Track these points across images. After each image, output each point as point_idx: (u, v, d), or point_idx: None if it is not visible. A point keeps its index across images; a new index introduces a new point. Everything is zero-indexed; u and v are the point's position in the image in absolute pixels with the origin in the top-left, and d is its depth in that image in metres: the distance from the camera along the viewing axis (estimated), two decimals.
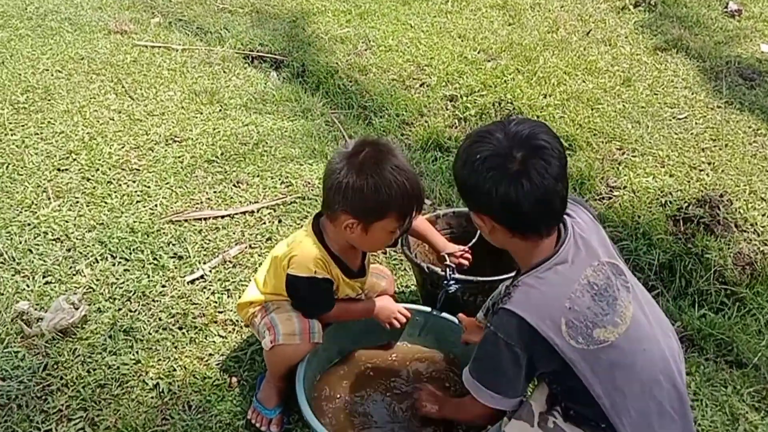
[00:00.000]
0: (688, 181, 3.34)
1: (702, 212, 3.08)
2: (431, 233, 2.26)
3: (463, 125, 3.83)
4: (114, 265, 2.65)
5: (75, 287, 2.53)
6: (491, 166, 1.46)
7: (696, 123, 3.84)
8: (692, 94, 4.14)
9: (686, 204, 3.15)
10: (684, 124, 3.83)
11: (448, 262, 2.07)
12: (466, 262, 2.20)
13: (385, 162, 1.77)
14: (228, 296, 2.52)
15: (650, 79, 4.27)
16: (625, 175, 3.36)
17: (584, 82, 4.18)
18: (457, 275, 2.05)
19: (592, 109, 3.88)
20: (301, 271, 1.89)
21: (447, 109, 3.99)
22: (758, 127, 3.81)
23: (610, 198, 3.25)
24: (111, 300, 2.49)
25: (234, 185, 3.18)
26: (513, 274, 2.08)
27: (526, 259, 1.59)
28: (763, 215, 3.05)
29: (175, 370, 2.22)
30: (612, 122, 3.76)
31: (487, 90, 4.00)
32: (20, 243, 2.74)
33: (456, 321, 2.09)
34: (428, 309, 2.16)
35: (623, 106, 3.96)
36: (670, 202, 3.18)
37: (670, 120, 3.87)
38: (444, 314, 2.13)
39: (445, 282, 2.05)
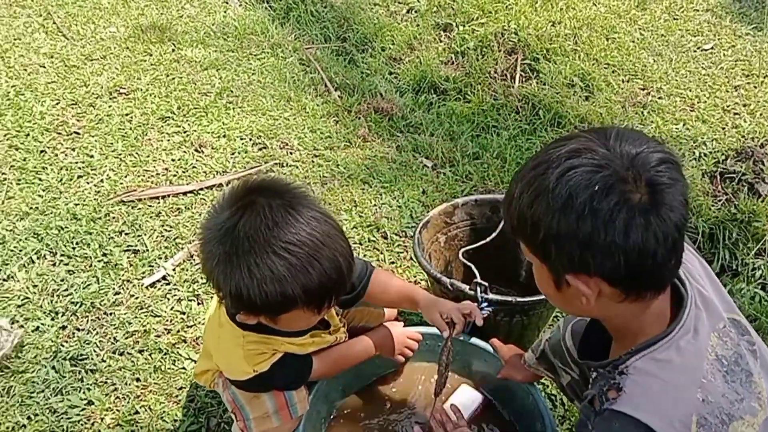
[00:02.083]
0: (723, 128, 2.91)
1: (743, 168, 2.68)
2: (410, 296, 1.62)
3: (461, 61, 3.29)
4: (54, 265, 2.16)
5: (6, 299, 2.04)
6: (618, 201, 0.93)
7: (724, 55, 3.37)
8: (715, 18, 3.65)
9: (724, 157, 2.74)
10: (711, 57, 3.36)
11: (478, 279, 1.62)
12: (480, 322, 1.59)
13: (269, 242, 1.17)
14: (198, 303, 2.06)
15: (667, 0, 3.75)
16: (651, 122, 2.92)
17: (595, 5, 3.64)
18: (491, 296, 1.61)
19: (607, 39, 3.37)
20: (240, 377, 1.43)
21: (441, 41, 3.43)
22: None
23: None
24: (53, 315, 2.01)
25: (196, 150, 2.64)
26: None
27: (631, 329, 1.10)
28: None
29: (137, 412, 1.78)
30: (631, 55, 3.27)
31: (487, 17, 3.43)
32: None
33: (489, 348, 1.68)
34: None
35: (641, 34, 3.46)
36: (706, 155, 2.76)
37: (695, 51, 3.39)
38: (474, 339, 1.70)
39: (476, 304, 1.61)
